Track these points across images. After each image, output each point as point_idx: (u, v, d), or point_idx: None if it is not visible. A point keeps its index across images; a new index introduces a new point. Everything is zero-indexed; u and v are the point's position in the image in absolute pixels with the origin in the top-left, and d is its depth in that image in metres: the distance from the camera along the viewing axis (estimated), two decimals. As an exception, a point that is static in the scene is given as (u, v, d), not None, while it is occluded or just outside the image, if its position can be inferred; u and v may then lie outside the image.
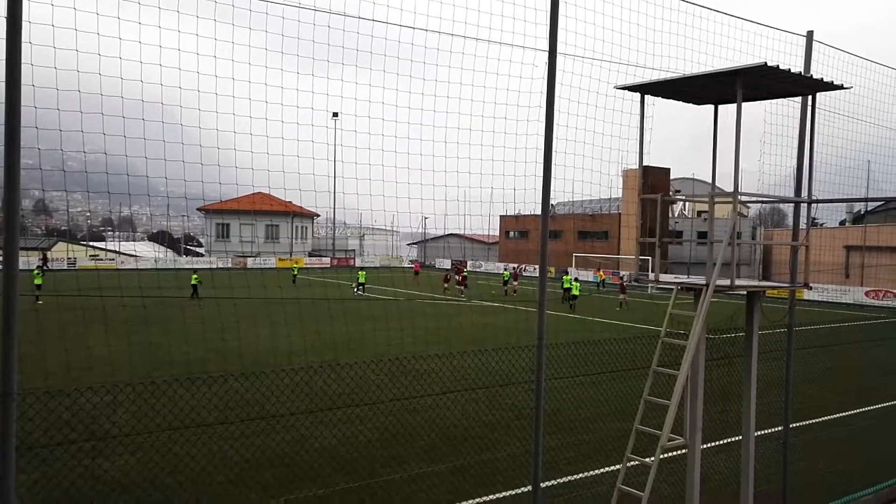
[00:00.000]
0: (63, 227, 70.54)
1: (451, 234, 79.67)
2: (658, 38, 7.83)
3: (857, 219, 58.46)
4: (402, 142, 6.85)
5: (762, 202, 12.17)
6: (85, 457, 10.46)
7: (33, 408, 9.20)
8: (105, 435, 11.43)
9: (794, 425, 10.15)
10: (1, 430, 4.53)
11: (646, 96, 7.48)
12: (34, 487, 9.21)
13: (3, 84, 4.32)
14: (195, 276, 37.31)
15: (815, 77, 7.09)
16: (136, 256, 70.85)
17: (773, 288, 8.37)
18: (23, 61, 4.35)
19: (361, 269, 48.09)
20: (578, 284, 38.67)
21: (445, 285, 44.51)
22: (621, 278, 46.22)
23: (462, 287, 43.50)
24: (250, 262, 70.26)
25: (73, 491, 9.21)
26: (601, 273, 54.81)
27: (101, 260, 65.11)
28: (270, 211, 75.80)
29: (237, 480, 10.03)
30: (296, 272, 52.00)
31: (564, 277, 40.56)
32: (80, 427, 11.17)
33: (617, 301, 39.22)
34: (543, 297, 6.96)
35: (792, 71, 6.50)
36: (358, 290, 42.05)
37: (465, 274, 46.38)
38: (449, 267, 65.99)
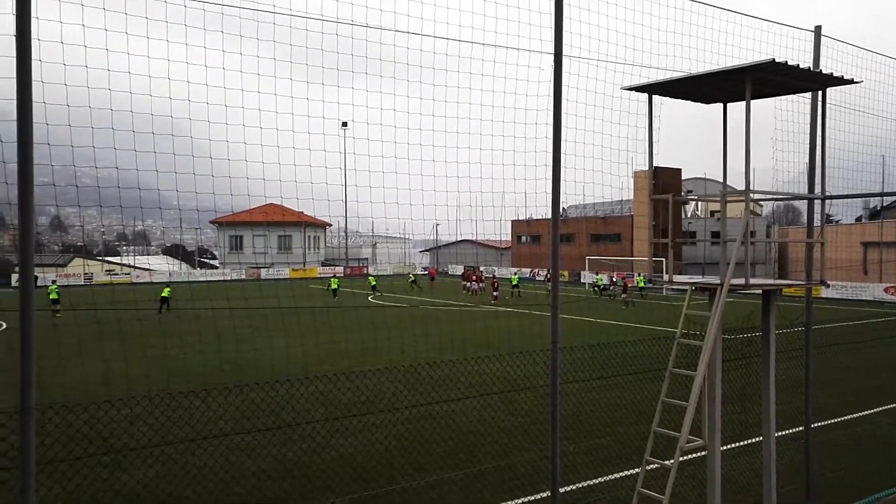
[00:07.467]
0: (79, 244, 71.29)
1: (463, 241, 79.63)
2: (663, 38, 7.80)
3: (874, 214, 57.78)
4: (413, 148, 6.86)
5: (775, 200, 12.08)
6: (104, 470, 10.52)
7: (52, 422, 9.29)
8: (123, 448, 11.50)
9: (816, 425, 10.02)
10: (21, 445, 4.56)
11: (653, 96, 7.45)
12: (55, 502, 9.27)
13: (15, 101, 4.37)
14: (167, 289, 37.12)
15: (824, 72, 7.03)
16: (150, 270, 71.43)
17: (789, 286, 8.28)
18: (33, 79, 4.40)
19: (335, 276, 51.97)
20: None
21: (495, 293, 44.15)
22: (617, 280, 46.13)
23: (494, 293, 43.92)
24: (264, 273, 70.59)
25: (94, 504, 9.28)
26: (600, 277, 53.68)
27: (117, 274, 65.67)
28: (283, 222, 76.16)
29: (255, 491, 10.05)
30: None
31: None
32: (98, 440, 11.24)
33: (620, 302, 40.57)
34: (557, 301, 6.93)
35: (801, 67, 6.45)
36: (336, 296, 44.02)
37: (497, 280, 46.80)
38: (461, 273, 65.81)
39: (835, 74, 7.04)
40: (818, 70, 7.62)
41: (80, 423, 9.93)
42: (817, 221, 8.66)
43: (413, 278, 57.40)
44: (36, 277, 4.71)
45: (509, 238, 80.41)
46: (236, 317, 28.20)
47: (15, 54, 4.38)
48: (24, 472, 4.56)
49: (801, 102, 8.65)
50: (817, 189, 8.45)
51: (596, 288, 50.08)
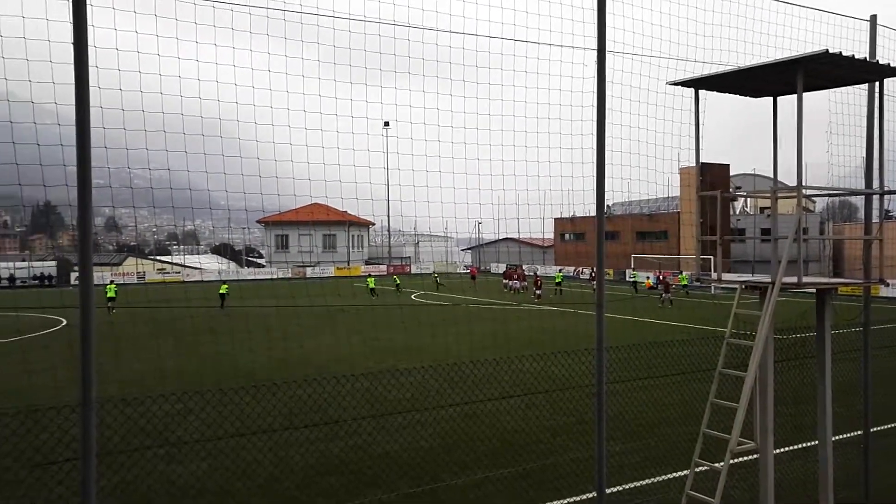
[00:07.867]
0: (132, 243, 73.60)
1: (505, 239, 79.34)
2: (708, 31, 7.63)
3: (937, 209, 55.29)
4: (456, 147, 6.88)
5: (829, 196, 11.68)
6: (160, 462, 10.86)
7: (111, 415, 9.64)
8: (177, 441, 11.84)
9: (875, 429, 9.66)
10: (82, 437, 4.74)
11: (700, 91, 7.29)
12: (114, 492, 9.61)
13: (74, 106, 4.54)
14: (224, 286, 39.37)
15: (881, 62, 6.77)
16: (200, 269, 73.33)
17: (845, 284, 8.01)
18: (90, 84, 4.57)
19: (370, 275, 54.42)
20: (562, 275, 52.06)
21: (538, 292, 43.99)
22: (664, 278, 45.27)
23: (537, 291, 43.77)
24: (309, 272, 71.74)
25: (151, 495, 9.58)
26: (645, 278, 52.99)
27: (168, 273, 67.65)
28: (327, 221, 77.22)
29: (304, 486, 10.22)
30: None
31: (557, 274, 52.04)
32: (154, 433, 11.61)
33: (658, 300, 40.24)
34: (602, 299, 6.86)
35: (856, 57, 6.22)
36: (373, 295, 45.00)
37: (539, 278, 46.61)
38: (503, 272, 65.63)
39: (892, 65, 6.77)
40: (875, 60, 7.34)
41: (137, 416, 10.29)
42: (875, 217, 8.35)
43: (437, 277, 57.26)
44: (94, 276, 4.88)
45: (552, 236, 79.74)
46: (283, 315, 28.74)
47: (73, 61, 4.55)
48: (84, 462, 4.73)
49: (857, 94, 8.34)
50: (875, 184, 8.14)
51: (635, 286, 49.71)
